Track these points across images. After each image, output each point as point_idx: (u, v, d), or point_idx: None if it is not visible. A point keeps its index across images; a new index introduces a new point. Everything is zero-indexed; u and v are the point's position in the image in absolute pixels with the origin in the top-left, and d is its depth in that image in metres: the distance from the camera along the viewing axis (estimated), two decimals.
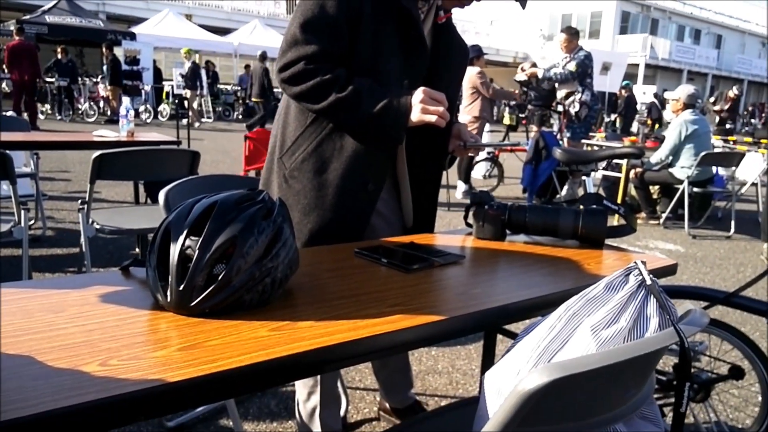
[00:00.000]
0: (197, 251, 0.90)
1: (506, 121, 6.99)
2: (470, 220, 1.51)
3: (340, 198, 1.45)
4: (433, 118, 1.36)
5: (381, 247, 1.34)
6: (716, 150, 6.17)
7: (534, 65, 6.87)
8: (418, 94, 1.37)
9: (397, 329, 0.91)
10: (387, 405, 1.98)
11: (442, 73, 1.55)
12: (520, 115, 6.99)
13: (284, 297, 1.01)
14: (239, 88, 17.90)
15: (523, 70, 6.77)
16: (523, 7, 1.48)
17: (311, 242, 1.46)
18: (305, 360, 0.81)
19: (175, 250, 0.91)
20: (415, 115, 1.37)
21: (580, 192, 5.73)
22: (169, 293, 0.90)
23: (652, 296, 0.88)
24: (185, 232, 0.91)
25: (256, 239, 0.93)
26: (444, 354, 2.60)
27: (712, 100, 12.05)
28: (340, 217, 1.46)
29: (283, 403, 2.09)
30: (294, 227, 1.45)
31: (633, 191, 5.92)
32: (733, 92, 15.70)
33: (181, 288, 0.89)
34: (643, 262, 0.89)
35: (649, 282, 0.87)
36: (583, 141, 6.28)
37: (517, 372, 0.89)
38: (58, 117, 13.89)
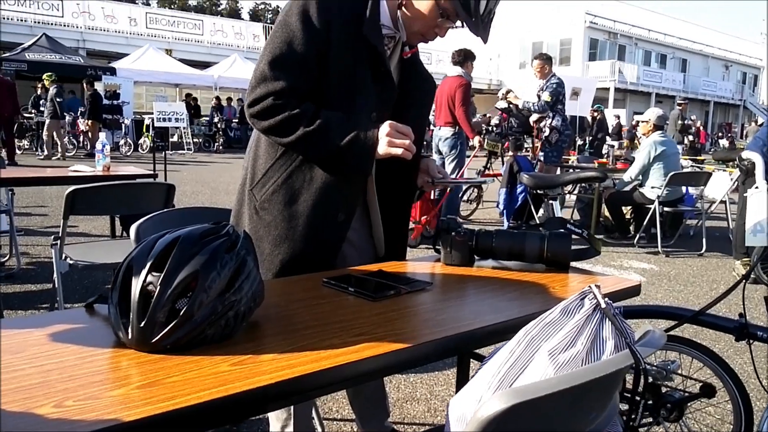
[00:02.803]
0: (159, 287, 0.90)
1: (488, 147, 7.03)
2: (439, 247, 1.53)
3: (310, 229, 1.46)
4: (399, 151, 1.39)
5: (349, 276, 1.35)
6: (685, 170, 6.31)
7: (509, 92, 7.00)
8: (385, 127, 1.40)
9: (360, 359, 0.92)
10: None
11: (408, 106, 1.58)
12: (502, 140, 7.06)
13: (249, 329, 1.01)
14: (218, 119, 17.94)
15: (503, 97, 6.88)
16: (485, 42, 1.52)
17: (282, 273, 1.46)
18: (265, 394, 0.81)
19: (136, 286, 0.91)
20: (382, 148, 1.40)
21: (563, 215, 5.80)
22: (130, 330, 0.90)
23: (607, 319, 0.90)
24: (147, 268, 0.91)
25: (218, 273, 0.93)
26: (422, 380, 2.59)
27: (684, 129, 12.35)
28: (311, 247, 1.47)
29: None
30: (265, 258, 1.47)
31: (606, 212, 6.01)
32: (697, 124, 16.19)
33: (142, 324, 0.89)
34: (597, 286, 0.91)
35: (603, 305, 0.89)
36: (558, 164, 6.39)
37: (479, 398, 0.90)
38: (37, 153, 13.77)
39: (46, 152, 12.90)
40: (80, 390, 0.76)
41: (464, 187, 6.51)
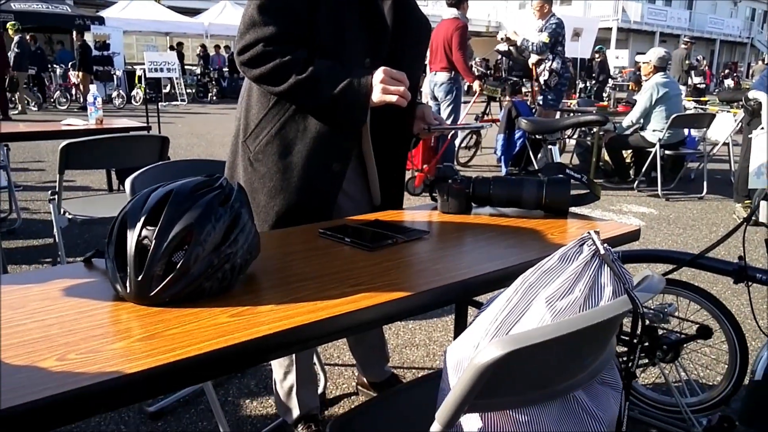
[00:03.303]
0: (154, 241, 0.90)
1: (487, 92, 6.88)
2: (435, 195, 1.52)
3: (305, 180, 1.45)
4: (393, 98, 1.36)
5: (345, 227, 1.35)
6: (687, 112, 6.23)
7: (514, 33, 6.83)
8: (379, 74, 1.37)
9: (358, 309, 0.92)
10: (365, 380, 2.01)
11: (403, 51, 1.54)
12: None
13: (246, 282, 1.02)
14: (201, 69, 17.57)
15: (504, 39, 6.70)
16: None
17: (278, 224, 1.46)
18: (264, 344, 0.82)
19: (131, 241, 0.90)
20: (376, 96, 1.37)
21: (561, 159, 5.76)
22: (128, 284, 0.90)
23: (605, 265, 0.90)
24: (141, 222, 0.91)
25: (213, 226, 0.93)
26: (421, 327, 2.64)
27: (689, 69, 12.05)
28: (306, 198, 1.47)
29: (263, 383, 2.11)
30: (261, 210, 1.47)
31: (606, 156, 5.98)
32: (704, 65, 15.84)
33: (139, 278, 0.89)
34: (597, 232, 0.91)
35: (602, 251, 0.89)
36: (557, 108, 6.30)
37: (476, 345, 0.91)
38: (30, 105, 13.56)
39: (18, 108, 12.46)
40: (82, 343, 0.77)
41: (461, 134, 6.43)
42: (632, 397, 2.02)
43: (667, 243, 4.05)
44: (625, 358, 0.96)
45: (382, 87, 1.36)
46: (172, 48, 16.68)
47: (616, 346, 1.13)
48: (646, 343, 1.86)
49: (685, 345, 1.90)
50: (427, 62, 5.95)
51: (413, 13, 1.58)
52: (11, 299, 0.91)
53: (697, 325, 1.86)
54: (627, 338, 1.81)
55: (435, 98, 5.88)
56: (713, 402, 1.94)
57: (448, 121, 5.73)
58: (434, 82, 5.80)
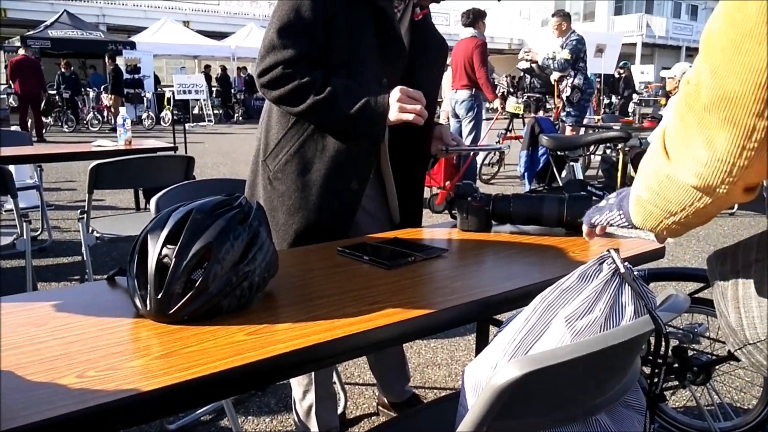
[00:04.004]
0: (174, 259, 0.91)
1: (510, 109, 6.86)
2: (455, 212, 1.51)
3: (324, 198, 1.46)
4: (410, 117, 1.37)
5: (364, 245, 1.35)
6: None
7: (529, 51, 6.82)
8: (395, 92, 1.38)
9: (375, 327, 0.92)
10: (385, 400, 1.99)
11: (420, 70, 1.55)
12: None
13: (264, 299, 1.02)
14: (235, 90, 17.94)
15: (525, 57, 6.70)
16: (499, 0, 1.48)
17: (297, 242, 1.47)
18: (280, 363, 0.82)
19: (152, 259, 0.92)
20: (393, 114, 1.38)
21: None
22: (148, 302, 0.91)
23: (626, 284, 0.88)
24: (161, 241, 0.92)
25: (231, 244, 0.94)
26: (443, 346, 2.61)
27: None
28: (325, 216, 1.47)
29: (283, 401, 2.11)
30: (280, 228, 1.48)
31: (632, 172, 5.88)
32: None
33: (159, 296, 0.90)
34: (616, 250, 0.89)
35: (622, 270, 0.88)
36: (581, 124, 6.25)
37: (494, 365, 0.89)
38: (64, 128, 14.00)
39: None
40: (101, 361, 0.78)
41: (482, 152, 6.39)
42: (662, 420, 1.96)
43: (697, 261, 3.95)
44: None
45: (398, 106, 1.37)
46: (203, 71, 17.06)
47: (643, 367, 1.10)
48: (675, 365, 1.81)
49: (717, 366, 1.85)
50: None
51: (431, 33, 1.60)
52: (35, 317, 0.93)
53: None
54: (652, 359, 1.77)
55: (456, 116, 5.88)
56: (748, 427, 1.87)
57: (469, 138, 5.72)
58: (455, 99, 5.83)
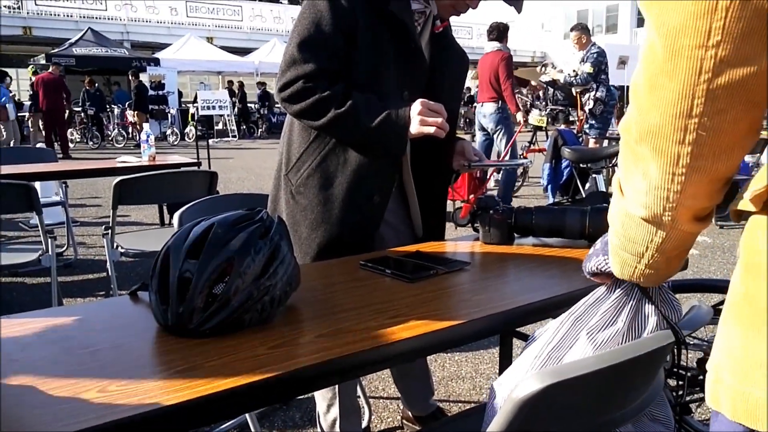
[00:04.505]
0: (195, 273, 0.91)
1: (534, 121, 6.82)
2: (477, 225, 1.50)
3: (346, 212, 1.46)
4: (431, 130, 1.37)
5: (387, 258, 1.34)
6: None
7: (553, 67, 6.80)
8: (416, 105, 1.38)
9: (397, 340, 0.91)
10: (409, 413, 1.98)
11: (441, 83, 1.55)
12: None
13: (286, 313, 1.02)
14: (260, 105, 18.21)
15: (545, 72, 6.68)
16: (519, 12, 1.47)
17: (320, 256, 1.47)
18: (302, 377, 0.82)
19: (174, 274, 0.93)
20: (414, 127, 1.38)
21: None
22: (170, 316, 0.92)
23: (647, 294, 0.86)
24: (183, 255, 0.93)
25: (252, 258, 0.94)
26: (467, 359, 2.58)
27: None
28: (348, 230, 1.47)
29: (308, 415, 2.10)
30: (302, 242, 1.48)
31: None
32: None
33: (180, 310, 0.91)
34: None
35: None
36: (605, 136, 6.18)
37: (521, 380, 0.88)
38: (89, 144, 14.30)
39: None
40: (123, 375, 0.78)
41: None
42: None
43: (722, 272, 3.86)
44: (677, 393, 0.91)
45: (420, 119, 1.37)
46: (227, 87, 17.33)
47: (668, 380, 1.07)
48: (701, 377, 1.77)
49: None
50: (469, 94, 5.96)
51: (451, 46, 1.60)
52: (58, 332, 0.94)
53: None
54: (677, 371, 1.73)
55: (483, 129, 5.86)
56: None
57: (504, 150, 5.69)
58: (482, 113, 5.81)
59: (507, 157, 5.64)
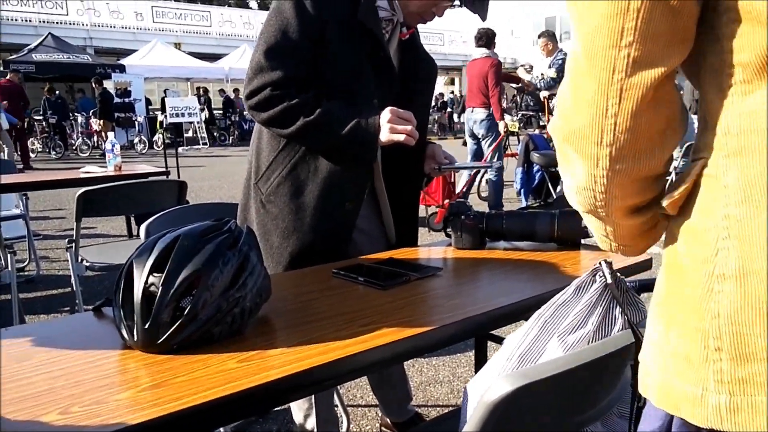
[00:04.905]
0: (161, 287, 0.89)
1: (502, 127, 6.88)
2: (449, 231, 1.50)
3: (318, 219, 1.45)
4: (401, 138, 1.37)
5: (359, 266, 1.33)
6: None
7: (529, 69, 6.88)
8: (386, 113, 1.38)
9: (370, 348, 0.90)
10: (388, 420, 1.96)
11: (410, 90, 1.55)
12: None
13: (257, 325, 1.00)
14: (230, 112, 18.01)
15: (527, 68, 6.73)
16: (483, 19, 1.48)
17: (292, 265, 1.45)
18: (274, 389, 0.80)
19: (138, 288, 0.90)
20: (384, 135, 1.37)
21: None
22: (135, 332, 0.89)
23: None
24: (147, 269, 0.91)
25: (221, 270, 0.92)
26: (444, 363, 2.58)
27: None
28: (320, 238, 1.46)
29: (285, 427, 2.07)
30: (274, 252, 1.46)
31: None
32: None
33: (146, 326, 0.88)
34: (609, 262, 0.88)
35: (609, 280, 0.87)
36: None
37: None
38: (52, 154, 13.92)
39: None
40: (86, 395, 0.76)
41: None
42: None
43: None
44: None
45: (389, 126, 1.37)
46: (196, 94, 17.09)
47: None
48: None
49: None
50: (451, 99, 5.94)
51: (419, 53, 1.60)
52: (18, 351, 0.90)
53: None
54: None
55: (473, 135, 5.80)
56: None
57: (494, 158, 5.69)
58: (472, 119, 5.74)
59: (488, 161, 5.66)
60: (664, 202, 0.60)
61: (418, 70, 1.58)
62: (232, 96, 18.19)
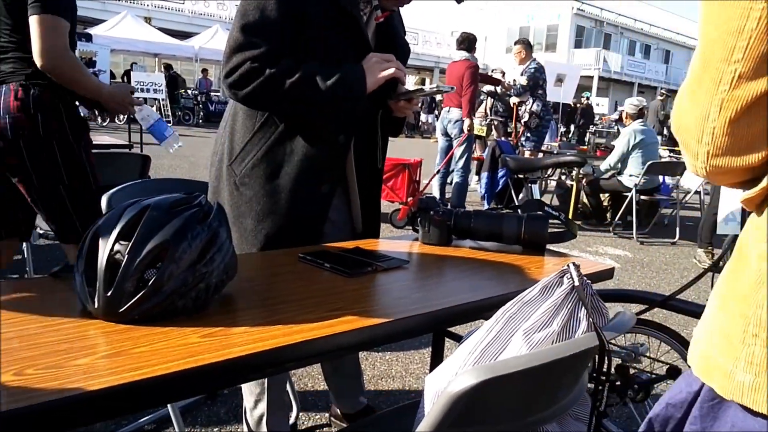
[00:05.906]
0: (126, 256, 0.87)
1: (466, 125, 6.96)
2: (417, 226, 1.52)
3: (294, 202, 1.44)
4: (392, 70, 1.38)
5: (326, 252, 1.33)
6: (662, 159, 6.37)
7: (501, 75, 6.99)
8: (369, 58, 1.39)
9: (333, 333, 0.90)
10: (338, 410, 1.97)
11: None
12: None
13: (221, 302, 0.99)
14: (198, 92, 17.65)
15: (502, 76, 6.83)
16: (458, 2, 1.50)
17: (267, 248, 1.43)
18: (234, 367, 0.80)
19: (103, 255, 0.88)
20: (373, 76, 1.38)
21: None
22: (96, 299, 0.87)
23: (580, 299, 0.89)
24: (114, 236, 0.89)
25: (189, 244, 0.91)
26: (397, 358, 2.60)
27: (665, 119, 12.34)
28: (296, 221, 1.45)
29: (233, 410, 2.05)
30: (248, 234, 1.44)
31: (585, 198, 6.07)
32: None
33: (109, 294, 0.86)
34: (577, 265, 0.91)
35: (577, 283, 0.89)
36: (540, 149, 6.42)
37: (455, 375, 0.89)
38: None
39: None
40: (42, 359, 0.74)
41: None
42: None
43: (641, 285, 4.09)
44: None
45: (377, 66, 1.38)
46: (163, 71, 16.68)
47: (589, 384, 1.12)
48: (618, 382, 1.86)
49: (656, 385, 1.90)
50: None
51: (396, 38, 1.60)
52: None
53: (668, 366, 1.86)
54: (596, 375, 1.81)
55: (446, 134, 5.89)
56: None
57: (462, 160, 5.75)
58: (447, 119, 5.82)
59: (456, 157, 5.73)
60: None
61: (394, 53, 1.58)
62: (200, 76, 17.83)
